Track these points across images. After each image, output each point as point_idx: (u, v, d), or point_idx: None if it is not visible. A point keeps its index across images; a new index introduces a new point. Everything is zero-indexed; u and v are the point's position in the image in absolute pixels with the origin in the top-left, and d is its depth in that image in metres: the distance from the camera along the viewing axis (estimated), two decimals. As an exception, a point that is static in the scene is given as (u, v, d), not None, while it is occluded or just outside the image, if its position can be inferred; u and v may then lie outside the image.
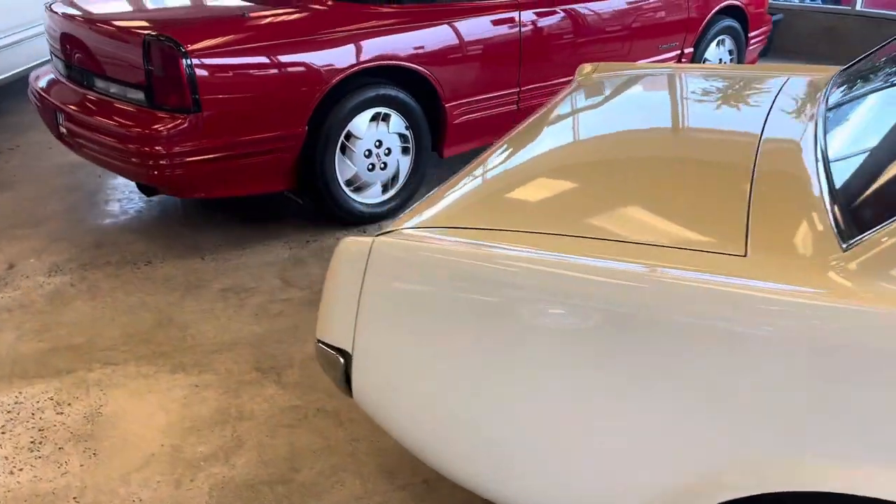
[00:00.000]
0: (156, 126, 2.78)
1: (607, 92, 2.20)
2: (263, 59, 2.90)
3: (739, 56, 4.92)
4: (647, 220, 1.37)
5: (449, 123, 3.47)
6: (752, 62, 5.12)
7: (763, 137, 1.63)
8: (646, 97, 2.17)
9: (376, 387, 1.43)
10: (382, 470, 1.97)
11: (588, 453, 1.25)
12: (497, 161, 1.74)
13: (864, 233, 1.13)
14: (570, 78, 3.56)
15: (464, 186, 1.61)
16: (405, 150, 3.41)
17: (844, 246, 1.14)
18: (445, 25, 3.36)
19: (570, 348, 1.21)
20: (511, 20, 3.56)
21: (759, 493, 1.10)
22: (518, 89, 3.68)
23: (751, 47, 5.01)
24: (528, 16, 3.62)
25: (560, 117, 2.03)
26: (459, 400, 1.35)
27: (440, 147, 3.54)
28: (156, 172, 2.84)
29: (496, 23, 3.52)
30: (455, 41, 3.39)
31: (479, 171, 1.68)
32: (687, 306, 1.13)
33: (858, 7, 5.85)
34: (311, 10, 3.14)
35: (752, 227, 1.26)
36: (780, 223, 1.26)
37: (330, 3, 3.16)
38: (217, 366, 2.37)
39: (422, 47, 3.29)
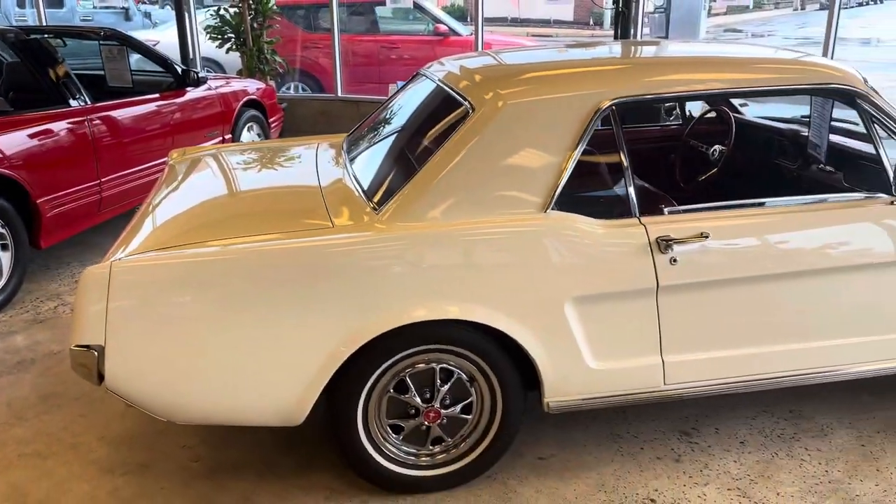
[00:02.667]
0: None
1: (204, 162, 3.09)
2: None
3: (266, 137, 6.20)
4: (272, 223, 2.33)
5: (43, 217, 3.88)
6: (276, 141, 6.46)
7: (319, 174, 2.74)
8: (231, 162, 3.12)
9: (128, 370, 2.08)
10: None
11: (277, 364, 2.14)
12: (152, 211, 2.51)
13: (380, 206, 2.28)
14: (147, 164, 4.38)
15: (140, 229, 2.35)
16: (4, 247, 3.72)
17: (377, 213, 2.27)
18: (25, 131, 3.81)
19: (251, 300, 2.10)
20: (82, 125, 4.16)
21: (373, 336, 2.13)
22: (99, 181, 4.26)
23: (272, 129, 6.35)
24: (96, 122, 4.26)
25: (177, 181, 2.86)
26: (191, 360, 2.11)
27: (37, 239, 3.92)
28: None
29: (70, 127, 4.08)
30: (36, 144, 3.86)
31: (144, 220, 2.44)
32: (308, 258, 2.12)
33: (340, 94, 7.73)
34: None
35: (331, 215, 2.32)
36: (344, 211, 2.35)
37: None
38: None
39: (2, 152, 3.68)
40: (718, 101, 3.35)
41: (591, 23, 21.47)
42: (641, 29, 6.66)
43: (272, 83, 7.14)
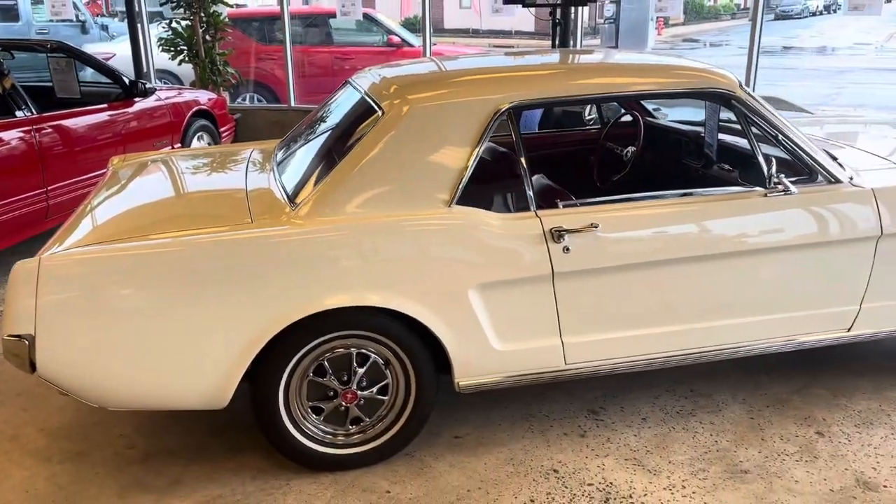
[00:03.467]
0: None
1: (142, 168, 3.24)
2: None
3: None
4: (196, 222, 2.50)
5: (-11, 224, 4.00)
6: (228, 151, 6.61)
7: (247, 179, 2.91)
8: (168, 167, 3.28)
9: (58, 359, 2.24)
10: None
11: (207, 346, 2.32)
12: (87, 213, 2.68)
13: (297, 204, 2.46)
14: (94, 173, 4.49)
15: (72, 228, 2.51)
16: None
17: (294, 209, 2.45)
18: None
19: (174, 290, 2.27)
20: (28, 135, 4.29)
21: (289, 323, 2.31)
22: (45, 189, 4.39)
23: (223, 139, 6.50)
24: (42, 132, 4.39)
25: (113, 186, 3.02)
26: (118, 348, 2.27)
27: (-16, 245, 4.03)
28: None
29: (16, 137, 4.21)
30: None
31: (78, 221, 2.60)
32: (226, 250, 2.30)
33: (293, 104, 7.90)
34: None
35: (252, 212, 2.49)
36: (265, 211, 2.53)
37: None
38: None
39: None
40: (618, 103, 3.60)
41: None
42: (581, 39, 6.95)
43: (224, 94, 7.29)
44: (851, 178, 2.75)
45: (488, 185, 2.61)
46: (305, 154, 2.91)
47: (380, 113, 2.56)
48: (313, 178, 2.59)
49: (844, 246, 2.72)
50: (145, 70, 7.77)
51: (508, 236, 2.47)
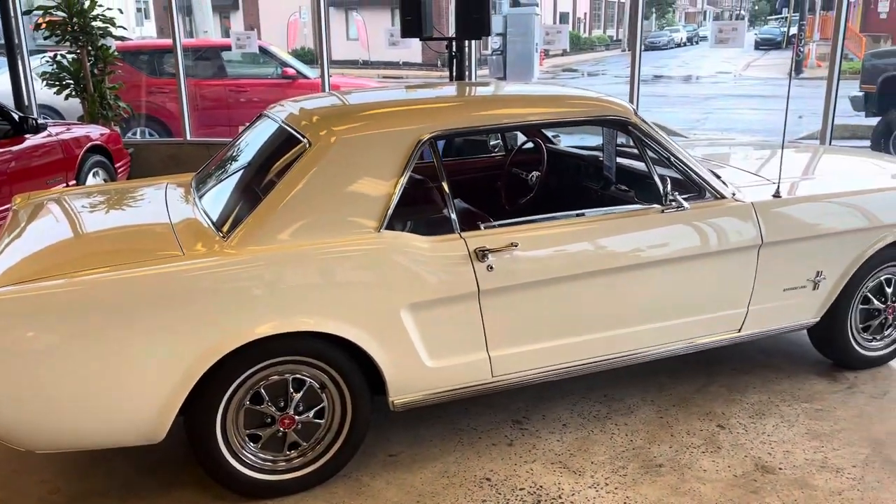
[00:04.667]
0: None
1: (50, 206, 3.16)
2: None
3: (113, 182, 6.16)
4: (123, 257, 2.49)
5: None
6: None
7: (170, 211, 2.91)
8: (78, 204, 3.21)
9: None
10: None
11: (138, 382, 2.30)
12: (6, 248, 2.60)
13: (229, 234, 2.50)
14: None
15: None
16: None
17: (224, 239, 2.49)
18: None
19: (102, 328, 2.25)
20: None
21: (224, 353, 2.34)
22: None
23: (119, 174, 6.31)
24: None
25: (21, 226, 2.92)
26: (47, 390, 2.22)
27: None
28: None
29: None
30: None
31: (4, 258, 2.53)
32: (158, 284, 2.31)
33: (189, 138, 7.76)
34: None
35: (182, 246, 2.51)
36: (194, 242, 2.55)
37: None
38: None
39: None
40: (524, 131, 3.84)
41: (439, 64, 22.48)
42: (476, 71, 7.25)
43: (117, 128, 7.08)
44: (734, 194, 3.08)
45: (414, 211, 2.74)
46: (229, 185, 2.95)
47: (305, 143, 2.64)
48: (242, 209, 2.64)
49: (731, 255, 3.03)
50: (27, 105, 7.44)
51: (436, 257, 2.61)
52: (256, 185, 2.73)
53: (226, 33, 28.20)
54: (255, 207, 2.55)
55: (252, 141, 3.17)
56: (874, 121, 8.07)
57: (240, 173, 2.98)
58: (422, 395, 2.69)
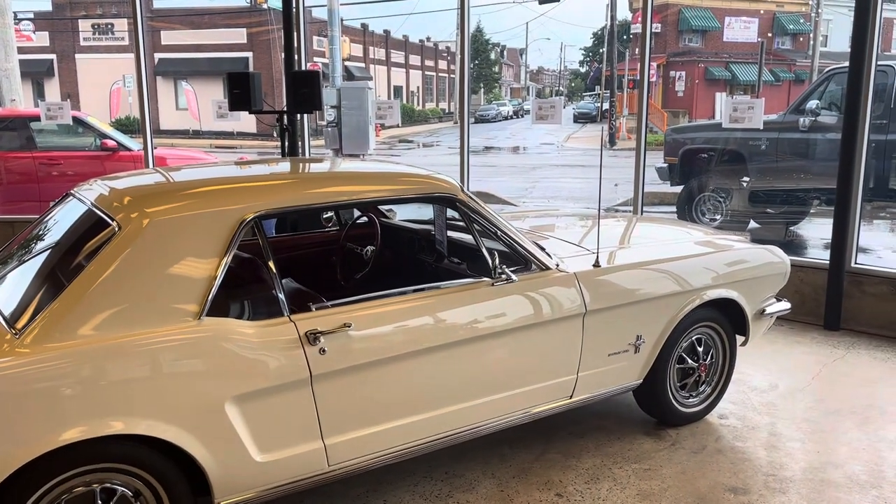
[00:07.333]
0: None
1: None
2: None
3: None
4: None
5: None
6: None
7: None
8: None
9: None
10: None
11: None
12: None
13: (21, 331, 2.22)
14: None
15: None
16: None
17: (17, 337, 2.21)
18: None
19: None
20: None
21: (17, 467, 2.04)
22: None
23: None
24: None
25: None
26: None
27: None
28: None
29: None
30: None
31: None
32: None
33: (-10, 215, 7.04)
34: None
35: (-37, 345, 2.20)
36: (-21, 340, 2.25)
37: None
38: None
39: None
40: (353, 209, 3.82)
41: (274, 134, 22.25)
42: (309, 143, 7.23)
43: None
44: (558, 265, 3.20)
45: (240, 294, 2.60)
46: (25, 274, 2.65)
47: (115, 227, 2.44)
48: (38, 301, 2.37)
49: (559, 323, 3.13)
50: None
51: (263, 343, 2.46)
52: (55, 274, 2.47)
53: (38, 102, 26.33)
54: (55, 298, 2.29)
55: (54, 224, 2.89)
56: (679, 188, 8.90)
57: (37, 260, 2.70)
58: (252, 493, 2.50)
